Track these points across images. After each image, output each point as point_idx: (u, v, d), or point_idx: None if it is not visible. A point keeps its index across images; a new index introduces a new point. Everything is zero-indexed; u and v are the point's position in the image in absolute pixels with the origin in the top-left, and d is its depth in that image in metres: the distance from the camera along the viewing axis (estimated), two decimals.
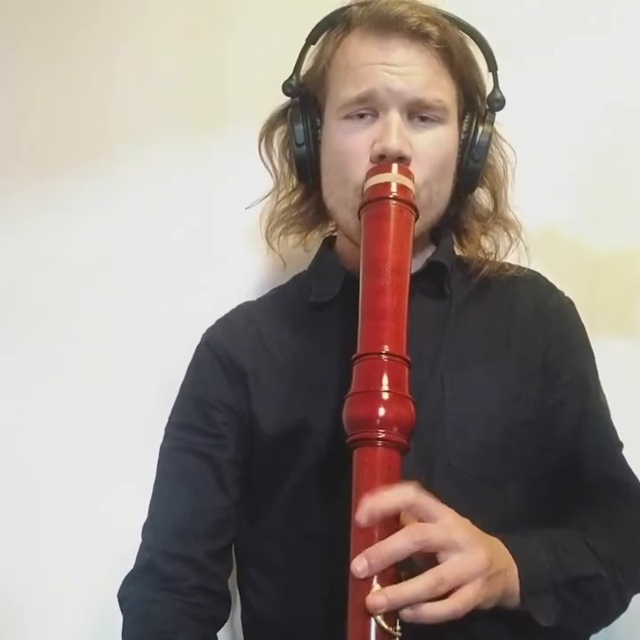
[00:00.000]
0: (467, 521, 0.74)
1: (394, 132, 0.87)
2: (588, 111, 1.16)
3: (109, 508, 1.14)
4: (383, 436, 0.73)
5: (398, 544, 0.68)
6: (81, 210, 1.23)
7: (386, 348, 0.77)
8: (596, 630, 0.88)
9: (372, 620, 0.67)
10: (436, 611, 0.67)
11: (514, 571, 0.76)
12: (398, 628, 0.67)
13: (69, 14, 1.27)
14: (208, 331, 1.02)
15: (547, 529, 0.85)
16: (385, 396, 0.75)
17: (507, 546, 0.77)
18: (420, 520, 0.71)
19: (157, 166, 1.23)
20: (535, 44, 1.13)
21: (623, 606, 0.86)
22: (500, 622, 0.78)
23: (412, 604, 0.67)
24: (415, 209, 0.85)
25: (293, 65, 0.95)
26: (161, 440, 0.97)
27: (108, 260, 1.22)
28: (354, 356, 0.78)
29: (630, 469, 0.93)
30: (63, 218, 1.24)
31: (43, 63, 1.27)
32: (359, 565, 0.68)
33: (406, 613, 0.67)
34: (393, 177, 0.85)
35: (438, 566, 0.69)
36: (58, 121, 1.26)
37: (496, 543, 0.76)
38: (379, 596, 0.67)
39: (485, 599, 0.72)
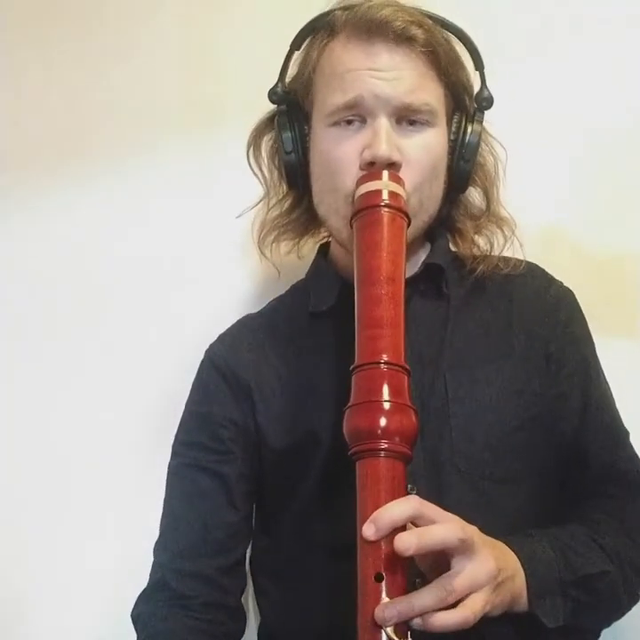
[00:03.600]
0: (474, 528, 0.74)
1: (383, 138, 0.86)
2: (587, 110, 1.15)
3: (122, 526, 1.13)
4: (386, 446, 0.72)
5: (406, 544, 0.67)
6: (65, 220, 1.22)
7: (384, 358, 0.76)
8: (608, 625, 0.89)
9: (383, 632, 0.66)
10: (445, 620, 0.67)
11: (521, 575, 0.76)
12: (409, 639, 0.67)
13: (67, 14, 1.25)
14: (210, 347, 1.02)
15: (552, 527, 0.85)
16: (386, 405, 0.74)
17: (512, 549, 0.77)
18: None
19: (147, 176, 1.22)
20: (533, 41, 1.13)
21: (634, 599, 0.86)
22: (510, 624, 0.78)
23: (423, 614, 0.67)
24: (407, 215, 0.85)
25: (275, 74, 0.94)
26: (168, 457, 0.97)
27: (98, 274, 1.21)
28: (352, 367, 0.78)
29: (637, 458, 0.93)
30: (47, 230, 1.22)
31: (40, 62, 1.25)
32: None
33: (416, 623, 0.67)
34: (384, 184, 0.84)
35: (447, 575, 0.69)
36: (53, 120, 1.24)
37: (503, 549, 0.76)
38: (388, 608, 0.66)
39: (494, 607, 0.72)
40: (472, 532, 0.71)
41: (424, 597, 0.67)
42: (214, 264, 1.20)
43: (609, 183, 1.15)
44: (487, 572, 0.70)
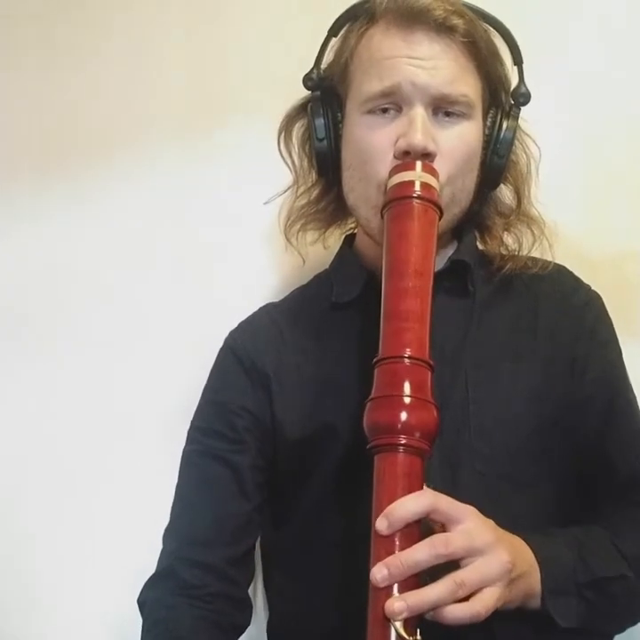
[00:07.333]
0: (490, 521, 0.73)
1: (419, 127, 0.85)
2: (590, 110, 1.14)
3: (132, 511, 1.13)
4: (405, 441, 0.72)
5: (420, 556, 0.67)
6: (89, 212, 1.22)
7: (408, 352, 0.75)
8: (622, 630, 0.87)
9: (392, 628, 0.66)
10: (456, 613, 0.67)
11: (536, 572, 0.76)
12: (418, 637, 0.66)
13: (68, 12, 1.26)
14: (230, 334, 1.01)
15: (572, 528, 0.84)
16: (407, 400, 0.73)
17: (530, 546, 0.76)
18: (441, 524, 0.71)
19: (167, 165, 1.21)
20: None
21: None
22: (522, 622, 0.77)
23: (433, 609, 0.67)
24: (439, 208, 0.83)
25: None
26: (182, 445, 0.96)
27: (121, 263, 1.21)
28: (375, 360, 0.77)
29: None
30: (69, 220, 1.23)
31: (42, 62, 1.25)
32: (379, 574, 0.67)
33: (427, 615, 0.67)
34: (417, 175, 0.83)
35: (459, 570, 0.68)
36: (57, 121, 1.24)
37: (519, 544, 0.76)
38: (398, 601, 0.66)
39: (507, 601, 0.71)
40: (485, 531, 0.71)
41: (435, 591, 0.67)
42: (238, 255, 1.19)
43: (608, 184, 1.14)
44: (500, 566, 0.70)
